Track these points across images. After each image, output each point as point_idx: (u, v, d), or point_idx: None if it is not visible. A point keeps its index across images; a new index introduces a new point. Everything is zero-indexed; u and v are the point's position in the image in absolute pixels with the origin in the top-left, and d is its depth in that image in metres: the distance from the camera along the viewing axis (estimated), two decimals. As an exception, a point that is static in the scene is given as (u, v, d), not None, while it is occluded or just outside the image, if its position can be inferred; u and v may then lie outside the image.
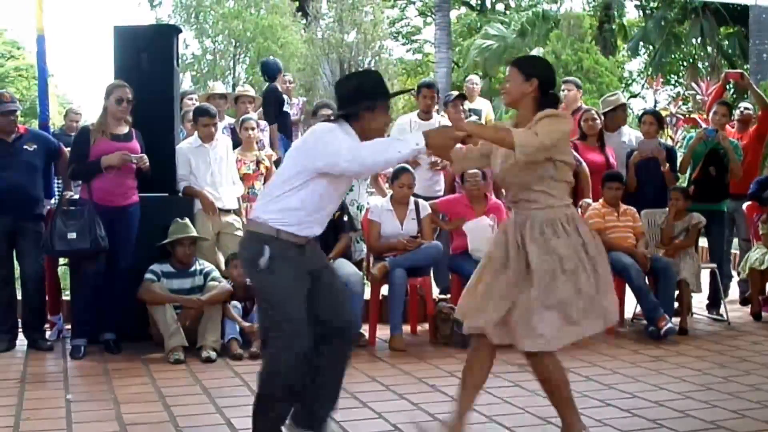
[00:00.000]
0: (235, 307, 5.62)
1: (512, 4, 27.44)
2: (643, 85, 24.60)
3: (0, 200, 5.43)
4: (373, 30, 17.02)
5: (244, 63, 21.03)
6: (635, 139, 7.06)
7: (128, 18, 50.87)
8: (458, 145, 3.54)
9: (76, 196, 5.63)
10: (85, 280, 5.51)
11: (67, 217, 5.36)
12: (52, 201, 5.96)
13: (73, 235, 5.31)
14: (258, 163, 6.71)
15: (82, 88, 54.50)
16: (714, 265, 6.83)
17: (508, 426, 4.01)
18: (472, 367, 3.58)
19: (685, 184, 7.15)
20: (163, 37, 6.10)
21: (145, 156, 5.49)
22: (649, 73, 22.41)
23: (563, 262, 3.34)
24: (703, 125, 8.53)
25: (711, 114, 7.24)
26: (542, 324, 3.32)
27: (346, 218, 5.79)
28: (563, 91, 7.56)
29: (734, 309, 7.04)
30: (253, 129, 6.82)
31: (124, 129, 5.54)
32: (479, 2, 28.14)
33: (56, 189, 6.10)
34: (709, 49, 20.75)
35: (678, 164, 7.01)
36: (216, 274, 5.67)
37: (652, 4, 23.70)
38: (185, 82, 19.13)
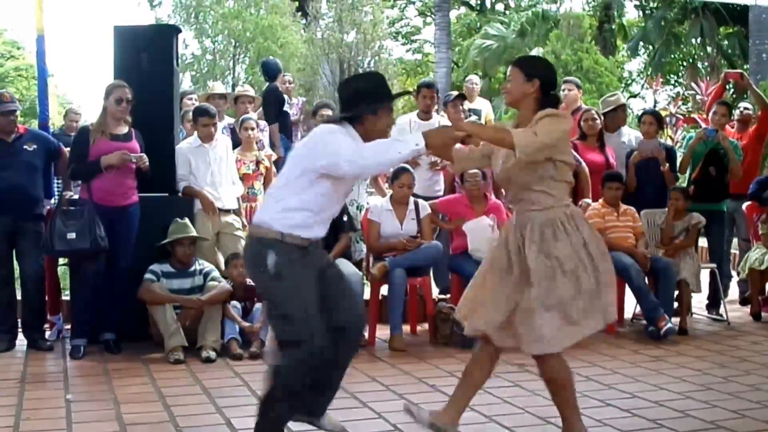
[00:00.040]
0: (235, 307, 5.62)
1: (512, 4, 27.44)
2: (642, 85, 24.61)
3: (0, 200, 5.43)
4: (372, 30, 17.02)
5: (244, 63, 21.05)
6: (635, 139, 7.06)
7: (128, 18, 50.89)
8: (458, 146, 3.54)
9: (76, 196, 5.63)
10: (85, 280, 5.51)
11: (66, 217, 5.36)
12: (52, 201, 5.96)
13: (72, 235, 5.31)
14: (257, 163, 6.71)
15: (82, 88, 54.51)
16: (714, 265, 6.83)
17: (508, 426, 4.01)
18: (473, 367, 3.60)
19: (684, 184, 7.16)
20: (163, 37, 6.10)
21: (144, 155, 5.48)
22: (649, 73, 22.41)
23: (563, 264, 3.34)
24: (703, 125, 8.52)
25: (711, 114, 7.24)
26: (543, 325, 3.33)
27: (345, 218, 5.79)
28: (563, 91, 7.56)
29: (734, 309, 7.04)
30: (252, 129, 6.82)
31: (124, 129, 5.54)
32: (479, 2, 28.13)
33: (56, 189, 6.10)
34: (709, 49, 20.75)
35: (678, 164, 7.01)
36: (216, 274, 5.67)
37: (651, 4, 23.69)
38: (185, 82, 19.15)
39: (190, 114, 6.62)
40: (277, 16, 20.30)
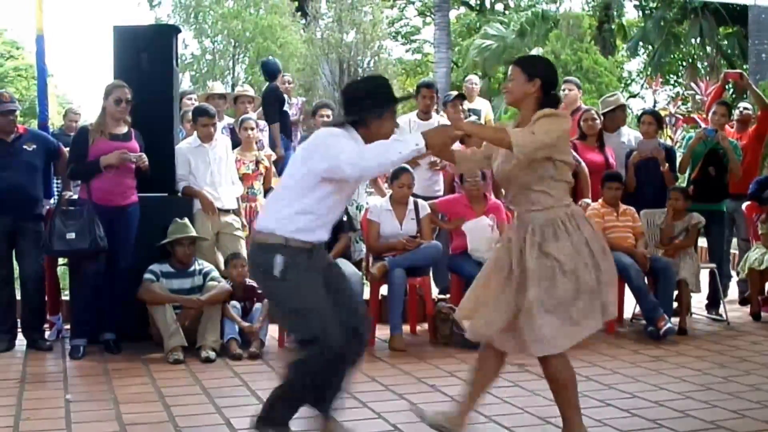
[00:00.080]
0: (235, 307, 5.62)
1: (511, 4, 27.43)
2: (642, 85, 24.63)
3: (0, 200, 5.43)
4: (372, 30, 17.02)
5: (244, 63, 21.06)
6: (634, 139, 7.07)
7: (128, 18, 50.85)
8: (459, 146, 3.54)
9: (75, 196, 5.63)
10: (84, 280, 5.51)
11: (66, 217, 5.36)
12: (52, 201, 5.96)
13: (72, 235, 5.30)
14: (257, 163, 6.72)
15: (82, 88, 54.38)
16: (713, 265, 6.83)
17: (508, 426, 4.01)
18: (479, 370, 3.62)
19: (684, 184, 7.16)
20: (163, 37, 6.10)
21: (144, 155, 5.48)
22: (649, 73, 22.42)
23: (563, 264, 3.35)
24: (703, 125, 8.52)
25: (710, 114, 7.24)
26: (544, 326, 3.33)
27: (345, 218, 5.78)
28: (563, 90, 7.56)
29: (733, 309, 7.04)
30: (252, 129, 6.82)
31: (123, 129, 5.54)
32: (478, 2, 28.13)
33: (55, 189, 6.10)
34: (709, 49, 20.75)
35: (677, 164, 7.01)
36: (215, 274, 5.67)
37: (651, 4, 23.69)
38: (184, 82, 19.14)
39: (190, 114, 6.62)
40: (277, 16, 20.31)
